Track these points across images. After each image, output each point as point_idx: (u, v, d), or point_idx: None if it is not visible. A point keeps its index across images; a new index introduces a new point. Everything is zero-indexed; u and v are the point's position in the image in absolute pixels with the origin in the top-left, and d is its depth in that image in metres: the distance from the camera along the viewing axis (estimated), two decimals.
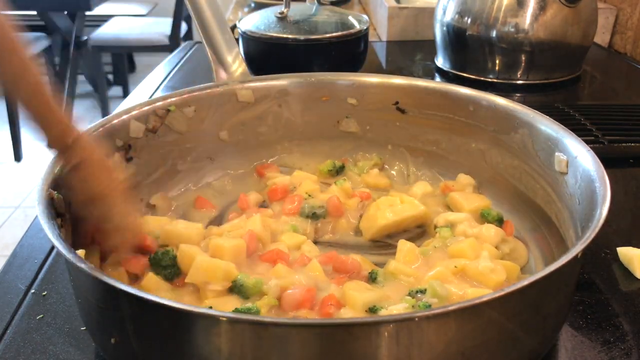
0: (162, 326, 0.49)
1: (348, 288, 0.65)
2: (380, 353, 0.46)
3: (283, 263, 0.70)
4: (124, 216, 0.68)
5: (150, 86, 1.42)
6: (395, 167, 0.96)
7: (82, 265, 0.50)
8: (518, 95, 1.37)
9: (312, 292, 0.64)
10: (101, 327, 0.57)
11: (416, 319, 0.46)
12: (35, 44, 3.84)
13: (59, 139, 0.63)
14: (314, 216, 0.82)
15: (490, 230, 0.76)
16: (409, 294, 0.64)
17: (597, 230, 0.53)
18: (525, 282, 0.48)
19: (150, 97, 1.31)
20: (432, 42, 1.54)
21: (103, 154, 0.68)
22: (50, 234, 0.53)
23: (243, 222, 0.78)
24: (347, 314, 0.61)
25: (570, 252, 0.51)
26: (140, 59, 5.22)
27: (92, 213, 0.66)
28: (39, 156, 3.75)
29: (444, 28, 1.44)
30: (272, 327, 0.46)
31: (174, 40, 3.89)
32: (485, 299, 0.46)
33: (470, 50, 1.40)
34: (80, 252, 0.61)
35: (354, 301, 0.63)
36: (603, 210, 0.56)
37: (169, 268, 0.68)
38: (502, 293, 0.46)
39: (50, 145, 0.63)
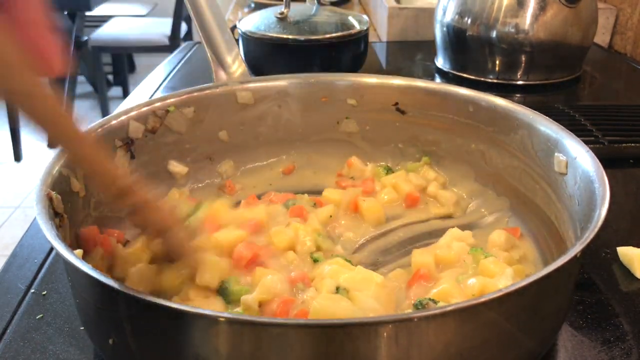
0: (160, 327, 0.49)
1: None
2: (379, 354, 0.46)
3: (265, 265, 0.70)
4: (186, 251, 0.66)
5: (150, 86, 1.42)
6: (397, 167, 0.96)
7: (80, 265, 0.50)
8: (518, 95, 1.37)
9: (289, 304, 0.63)
10: (99, 328, 0.57)
11: (415, 320, 0.46)
12: None
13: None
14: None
15: (501, 236, 0.75)
16: (415, 305, 0.63)
17: (596, 231, 0.53)
18: (524, 283, 0.48)
19: (150, 97, 1.31)
20: (432, 42, 1.54)
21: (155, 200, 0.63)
22: (48, 234, 0.53)
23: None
24: None
25: (569, 253, 0.51)
26: (140, 59, 5.22)
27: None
28: (39, 156, 3.77)
29: (444, 28, 1.44)
30: (271, 327, 0.46)
31: (174, 41, 3.89)
32: (483, 299, 0.46)
33: (470, 50, 1.40)
34: (78, 252, 0.61)
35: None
36: (602, 211, 0.56)
37: None
38: (500, 294, 0.46)
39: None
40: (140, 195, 0.59)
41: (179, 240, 0.64)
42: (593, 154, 0.67)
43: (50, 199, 0.62)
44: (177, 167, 0.88)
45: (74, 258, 0.50)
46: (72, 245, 0.67)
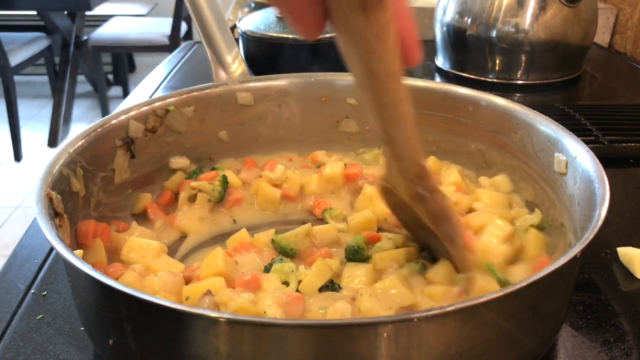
0: (160, 327, 0.49)
1: None
2: (379, 354, 0.46)
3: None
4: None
5: (150, 86, 1.42)
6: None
7: (80, 265, 0.49)
8: (518, 95, 1.37)
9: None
10: (99, 328, 0.57)
11: (415, 320, 0.46)
12: (35, 44, 3.85)
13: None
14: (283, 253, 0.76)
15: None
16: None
17: (595, 231, 0.53)
18: (524, 283, 0.47)
19: (150, 97, 1.31)
20: (432, 42, 1.54)
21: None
22: (48, 233, 0.53)
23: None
24: None
25: (568, 253, 0.51)
26: (140, 59, 5.22)
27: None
28: (39, 156, 3.77)
29: (444, 28, 1.44)
30: (271, 327, 0.46)
31: (174, 40, 3.89)
32: (483, 299, 0.46)
33: (470, 50, 1.40)
34: (78, 252, 0.61)
35: None
36: (602, 211, 0.56)
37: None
38: (500, 294, 0.46)
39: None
40: (433, 180, 0.59)
41: (454, 231, 0.62)
42: (593, 154, 0.67)
43: (50, 199, 0.62)
44: (179, 163, 0.88)
45: (74, 258, 0.50)
46: (72, 245, 0.67)
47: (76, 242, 0.69)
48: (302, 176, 0.88)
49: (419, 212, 0.62)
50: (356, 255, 0.71)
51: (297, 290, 0.65)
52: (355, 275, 0.67)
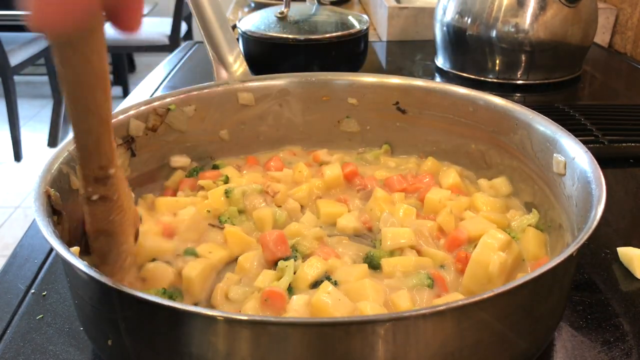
0: (158, 326, 0.49)
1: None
2: (375, 351, 0.46)
3: None
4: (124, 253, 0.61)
5: (151, 86, 1.42)
6: (402, 168, 0.96)
7: (75, 262, 0.49)
8: (518, 95, 1.37)
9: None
10: (97, 328, 0.56)
11: (409, 318, 0.46)
12: (35, 44, 3.85)
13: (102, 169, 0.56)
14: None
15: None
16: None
17: (590, 231, 0.53)
18: (516, 283, 0.47)
19: (150, 96, 1.31)
20: (432, 42, 1.54)
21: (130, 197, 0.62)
22: (45, 230, 0.53)
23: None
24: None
25: (563, 253, 0.50)
26: (140, 59, 5.22)
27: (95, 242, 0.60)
28: (39, 156, 3.76)
29: (444, 28, 1.44)
30: (269, 326, 0.46)
31: (174, 40, 3.89)
32: (474, 299, 0.46)
33: (470, 50, 1.40)
34: (75, 249, 0.61)
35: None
36: (598, 211, 0.56)
37: None
38: (491, 294, 0.46)
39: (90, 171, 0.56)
40: (115, 190, 0.56)
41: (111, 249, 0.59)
42: (591, 155, 0.67)
43: (49, 196, 0.62)
44: (179, 161, 0.88)
45: (69, 255, 0.50)
46: (71, 242, 0.67)
47: (76, 240, 0.69)
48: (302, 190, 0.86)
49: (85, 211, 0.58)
50: (370, 262, 0.71)
51: (290, 285, 0.65)
52: (351, 272, 0.67)
